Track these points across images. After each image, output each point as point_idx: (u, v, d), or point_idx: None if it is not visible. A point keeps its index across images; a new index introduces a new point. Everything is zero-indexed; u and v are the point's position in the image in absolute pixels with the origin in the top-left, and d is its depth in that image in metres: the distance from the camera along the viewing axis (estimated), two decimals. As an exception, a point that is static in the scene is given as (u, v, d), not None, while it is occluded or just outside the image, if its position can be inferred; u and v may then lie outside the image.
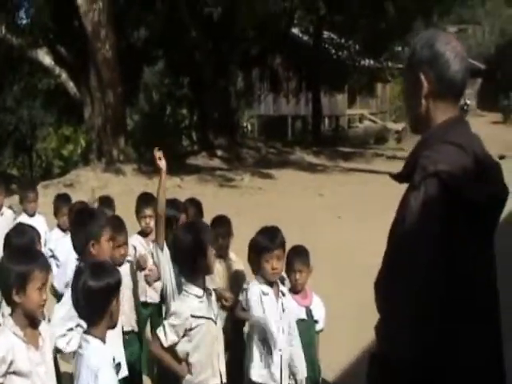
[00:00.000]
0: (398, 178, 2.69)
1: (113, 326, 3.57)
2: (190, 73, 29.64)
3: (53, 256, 6.61)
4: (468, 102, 37.00)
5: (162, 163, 4.83)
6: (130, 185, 18.20)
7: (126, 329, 5.24)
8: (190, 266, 4.29)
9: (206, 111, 27.94)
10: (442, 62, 2.61)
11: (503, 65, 45.05)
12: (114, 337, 4.09)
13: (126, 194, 15.76)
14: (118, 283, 3.48)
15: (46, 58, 22.50)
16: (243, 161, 24.76)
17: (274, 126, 40.30)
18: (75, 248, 4.46)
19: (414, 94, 2.70)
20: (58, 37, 23.44)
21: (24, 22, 25.19)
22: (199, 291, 4.31)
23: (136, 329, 5.50)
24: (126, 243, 5.27)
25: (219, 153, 25.19)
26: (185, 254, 4.29)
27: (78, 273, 3.45)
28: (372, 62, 34.67)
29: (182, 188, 18.39)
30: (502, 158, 23.21)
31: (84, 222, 4.45)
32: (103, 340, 3.44)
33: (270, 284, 4.67)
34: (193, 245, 4.25)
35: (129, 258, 5.54)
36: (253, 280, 4.78)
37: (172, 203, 5.29)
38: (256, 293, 4.62)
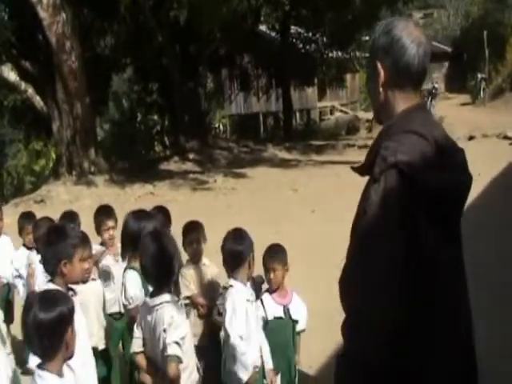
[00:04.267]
0: (360, 170, 2.62)
1: (69, 357, 3.34)
2: (158, 78, 29.47)
3: (19, 276, 6.49)
4: (436, 85, 37.08)
5: None
6: (102, 196, 18.00)
7: (100, 347, 5.29)
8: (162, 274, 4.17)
9: (177, 115, 27.79)
10: (398, 47, 2.54)
11: (469, 47, 45.28)
12: (86, 362, 4.00)
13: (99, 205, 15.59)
14: (72, 310, 3.28)
15: (10, 74, 22.27)
16: (216, 162, 24.59)
17: (246, 125, 40.27)
18: (46, 269, 4.34)
19: (373, 83, 2.64)
20: (22, 51, 23.19)
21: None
22: (174, 297, 4.21)
23: (102, 346, 5.43)
24: (90, 257, 5.14)
25: (191, 156, 24.98)
26: (153, 263, 4.15)
27: (28, 306, 3.23)
28: (340, 53, 34.70)
29: (154, 195, 18.25)
30: (471, 138, 23.36)
31: (56, 240, 4.30)
32: (60, 374, 3.24)
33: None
34: (161, 253, 4.14)
35: (93, 277, 5.43)
36: (234, 283, 4.67)
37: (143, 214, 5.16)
38: (242, 302, 4.56)
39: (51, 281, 4.28)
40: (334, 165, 21.66)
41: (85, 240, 5.05)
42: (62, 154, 22.11)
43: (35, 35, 22.55)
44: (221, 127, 42.32)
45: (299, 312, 5.18)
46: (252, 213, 14.35)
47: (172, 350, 3.91)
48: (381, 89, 2.59)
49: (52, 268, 4.27)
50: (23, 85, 22.46)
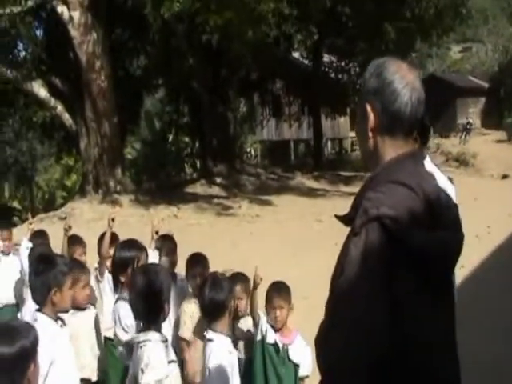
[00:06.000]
0: (344, 219, 2.41)
1: None
2: (189, 100, 29.59)
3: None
4: (471, 121, 36.80)
5: None
6: (125, 216, 17.95)
7: (93, 379, 5.15)
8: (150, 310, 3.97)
9: (206, 138, 27.82)
10: (389, 92, 2.31)
11: (506, 82, 44.84)
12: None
13: (122, 225, 15.46)
14: (35, 344, 2.97)
15: (41, 90, 22.39)
16: (242, 188, 24.50)
17: (277, 151, 40.26)
18: (35, 298, 4.19)
19: (362, 127, 2.42)
20: (53, 68, 23.37)
21: (22, 54, 25.08)
22: (162, 336, 4.01)
23: (95, 378, 5.26)
24: (87, 283, 5.01)
25: (218, 180, 24.95)
26: (140, 299, 3.94)
27: None
28: (373, 84, 34.55)
29: (178, 218, 18.13)
30: (504, 177, 22.94)
31: (44, 269, 4.16)
32: None
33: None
34: (148, 289, 3.94)
35: (88, 305, 5.29)
36: (214, 337, 4.23)
37: (131, 244, 5.00)
38: (226, 359, 4.18)
39: (39, 310, 4.15)
40: (360, 197, 21.41)
41: (82, 266, 4.94)
42: (89, 171, 22.18)
43: (66, 53, 22.72)
44: (252, 152, 42.33)
45: (301, 355, 4.90)
46: (273, 242, 14.14)
47: None
48: (370, 134, 2.37)
49: (41, 297, 4.14)
50: (53, 101, 22.54)
